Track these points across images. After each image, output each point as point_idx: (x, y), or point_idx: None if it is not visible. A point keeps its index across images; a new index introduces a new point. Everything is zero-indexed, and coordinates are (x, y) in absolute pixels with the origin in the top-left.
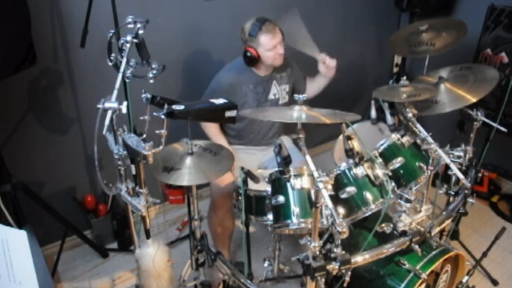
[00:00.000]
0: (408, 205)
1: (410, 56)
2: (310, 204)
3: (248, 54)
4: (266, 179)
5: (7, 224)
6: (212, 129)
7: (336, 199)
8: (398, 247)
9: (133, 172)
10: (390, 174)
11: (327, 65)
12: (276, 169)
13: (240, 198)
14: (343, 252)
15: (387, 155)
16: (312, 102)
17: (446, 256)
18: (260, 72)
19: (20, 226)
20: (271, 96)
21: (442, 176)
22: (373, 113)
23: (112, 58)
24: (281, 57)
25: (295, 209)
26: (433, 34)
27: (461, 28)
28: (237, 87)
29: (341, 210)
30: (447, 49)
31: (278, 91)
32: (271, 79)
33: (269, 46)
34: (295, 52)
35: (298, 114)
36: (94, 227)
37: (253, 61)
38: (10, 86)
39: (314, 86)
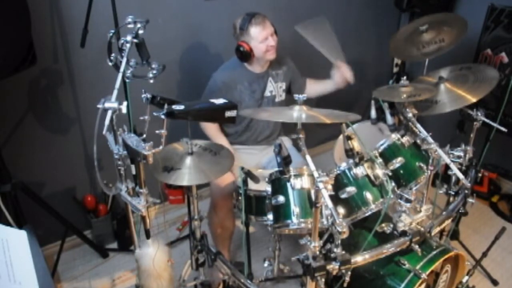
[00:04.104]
0: (408, 205)
1: (423, 58)
2: (310, 204)
3: (241, 48)
4: (266, 179)
5: (7, 224)
6: (212, 129)
7: (336, 199)
8: (398, 247)
9: (133, 172)
10: (390, 174)
11: (342, 72)
12: (276, 169)
13: (240, 198)
14: (343, 252)
15: (387, 155)
16: (312, 102)
17: (446, 256)
18: (254, 69)
19: (20, 226)
20: (267, 93)
21: (442, 176)
22: (373, 113)
23: (112, 58)
24: (273, 50)
25: (295, 209)
26: (434, 33)
27: (459, 23)
28: (232, 86)
29: (341, 210)
30: (458, 42)
31: (274, 88)
32: (266, 76)
33: (260, 38)
34: (292, 51)
35: (298, 114)
36: (94, 227)
37: (246, 55)
38: (10, 86)
39: (318, 88)
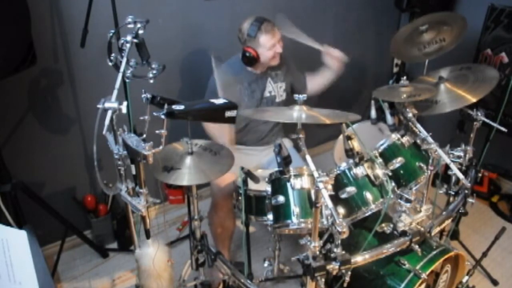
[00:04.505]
0: (408, 205)
1: (424, 59)
2: (310, 204)
3: (247, 54)
4: (266, 179)
5: (7, 224)
6: (216, 129)
7: (336, 199)
8: (398, 247)
9: (133, 172)
10: (390, 174)
11: (332, 55)
12: (276, 169)
13: (240, 198)
14: (343, 252)
15: (387, 155)
16: (312, 102)
17: (446, 256)
18: (255, 70)
19: (20, 226)
20: (266, 94)
21: (442, 176)
22: (373, 113)
23: (112, 58)
24: (278, 56)
25: (295, 209)
26: (435, 33)
27: (459, 22)
28: (232, 86)
29: (341, 210)
30: (459, 41)
31: (273, 88)
32: (265, 76)
33: (269, 46)
34: (294, 51)
35: (298, 114)
36: (94, 227)
37: (252, 61)
38: (10, 86)
39: (319, 81)
